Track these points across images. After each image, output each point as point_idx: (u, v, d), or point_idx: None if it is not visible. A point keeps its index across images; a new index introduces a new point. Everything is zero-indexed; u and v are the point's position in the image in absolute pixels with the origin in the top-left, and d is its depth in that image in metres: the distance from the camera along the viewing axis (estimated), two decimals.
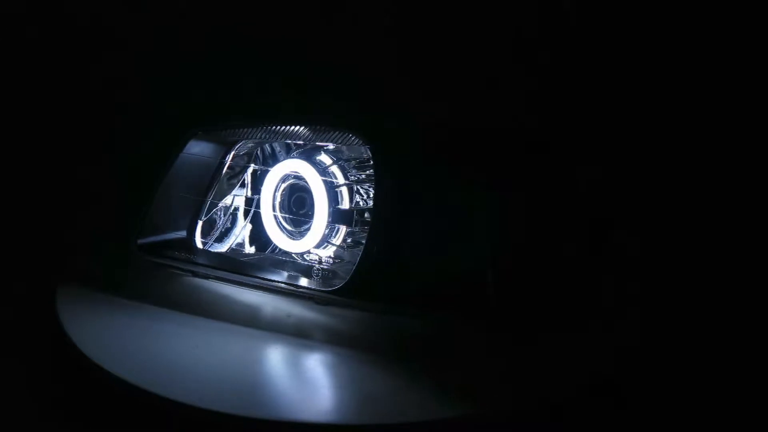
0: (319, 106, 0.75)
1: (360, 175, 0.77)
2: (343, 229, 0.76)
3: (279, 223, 0.79)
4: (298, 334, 0.70)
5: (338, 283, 0.70)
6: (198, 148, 0.82)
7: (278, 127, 0.76)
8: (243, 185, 0.85)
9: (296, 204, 0.78)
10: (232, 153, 0.84)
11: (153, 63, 0.78)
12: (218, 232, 0.85)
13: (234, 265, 0.79)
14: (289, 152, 0.82)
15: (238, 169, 0.85)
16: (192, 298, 0.77)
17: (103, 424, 0.63)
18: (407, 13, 0.76)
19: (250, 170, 0.84)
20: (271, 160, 0.83)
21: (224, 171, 0.84)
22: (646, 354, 0.72)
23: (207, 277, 0.78)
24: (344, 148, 0.78)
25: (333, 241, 0.76)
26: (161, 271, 0.79)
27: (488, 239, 0.71)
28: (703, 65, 0.73)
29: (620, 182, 0.79)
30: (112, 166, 0.82)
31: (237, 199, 0.85)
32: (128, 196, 0.80)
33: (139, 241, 0.79)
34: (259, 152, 0.85)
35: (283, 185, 0.78)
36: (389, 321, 0.72)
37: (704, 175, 0.77)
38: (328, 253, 0.77)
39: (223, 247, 0.84)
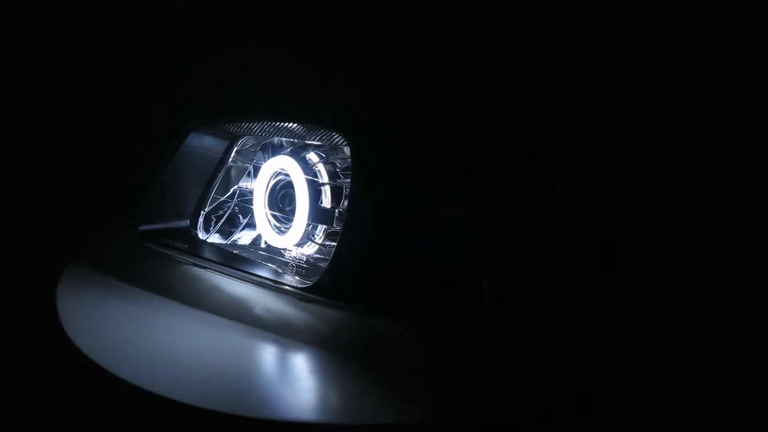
0: (308, 103, 0.76)
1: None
2: (324, 228, 0.77)
3: (268, 219, 0.81)
4: (274, 330, 0.71)
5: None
6: (203, 142, 0.86)
7: (273, 123, 0.79)
8: (247, 178, 0.88)
9: (284, 200, 0.80)
10: (235, 147, 0.87)
11: (156, 59, 0.81)
12: (220, 223, 0.88)
13: (227, 258, 0.82)
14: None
15: (241, 163, 0.88)
16: (187, 287, 0.79)
17: (92, 415, 0.65)
18: (396, 18, 0.76)
19: (251, 165, 0.87)
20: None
21: (227, 164, 0.87)
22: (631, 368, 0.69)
23: (203, 267, 0.82)
24: (340, 147, 0.79)
25: (317, 240, 0.78)
26: (161, 258, 0.84)
27: (463, 243, 0.70)
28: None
29: (614, 185, 0.77)
30: (116, 157, 0.86)
31: (239, 192, 0.88)
32: (132, 185, 0.85)
33: (141, 228, 0.84)
34: (269, 147, 0.87)
35: (273, 181, 0.80)
36: (364, 322, 0.72)
37: (703, 178, 0.73)
38: (310, 250, 0.79)
39: (223, 239, 0.88)
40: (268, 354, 0.69)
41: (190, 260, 0.82)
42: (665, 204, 0.75)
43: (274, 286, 0.75)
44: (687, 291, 0.76)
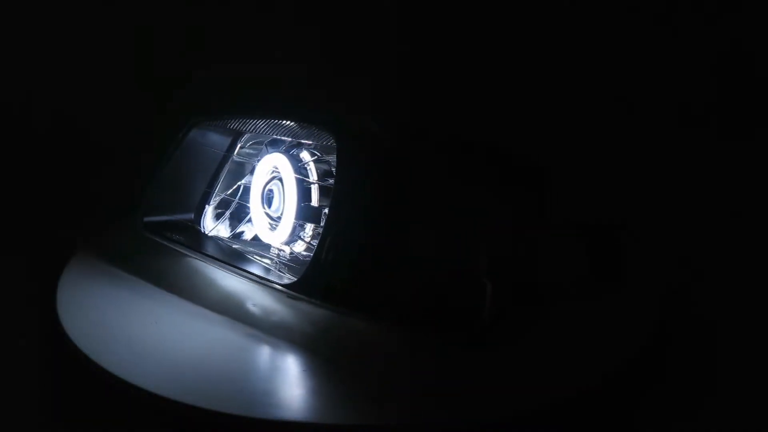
0: (300, 102, 0.77)
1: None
2: (312, 226, 0.77)
3: (263, 215, 0.81)
4: (259, 327, 0.71)
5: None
6: (208, 138, 0.87)
7: (268, 120, 0.79)
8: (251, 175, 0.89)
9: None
10: (239, 144, 0.88)
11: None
12: (222, 219, 0.89)
13: (223, 252, 0.83)
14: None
15: (246, 159, 0.89)
16: (184, 279, 0.80)
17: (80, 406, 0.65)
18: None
19: (256, 161, 0.88)
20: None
21: (232, 160, 0.88)
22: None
23: (201, 260, 0.83)
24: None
25: (305, 238, 0.78)
26: (164, 250, 0.85)
27: (447, 247, 0.69)
28: None
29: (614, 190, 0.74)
30: (120, 151, 0.89)
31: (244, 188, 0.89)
32: (138, 179, 0.87)
33: (146, 219, 0.86)
34: (275, 144, 0.88)
35: (268, 178, 0.81)
36: (349, 322, 0.71)
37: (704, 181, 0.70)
38: (299, 248, 0.79)
39: (226, 234, 0.89)
40: (246, 351, 0.68)
41: (189, 253, 0.84)
42: (666, 208, 0.72)
43: (262, 282, 0.76)
44: (688, 294, 0.73)
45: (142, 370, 0.62)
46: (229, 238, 0.88)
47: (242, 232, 0.89)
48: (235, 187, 0.89)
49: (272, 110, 0.77)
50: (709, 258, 0.80)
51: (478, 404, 0.60)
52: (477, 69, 0.78)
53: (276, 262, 0.77)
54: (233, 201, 0.88)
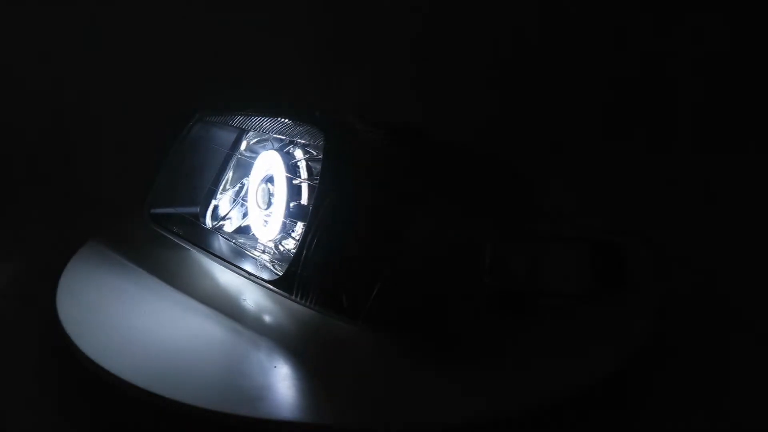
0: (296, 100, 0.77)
1: None
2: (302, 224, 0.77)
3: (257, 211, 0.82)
4: (244, 321, 0.72)
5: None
6: (214, 134, 0.89)
7: (266, 118, 0.80)
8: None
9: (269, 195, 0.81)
10: (244, 141, 0.89)
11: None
12: (225, 216, 0.90)
13: (221, 247, 0.84)
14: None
15: (249, 156, 0.90)
16: (183, 272, 0.83)
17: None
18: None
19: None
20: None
21: (236, 157, 0.90)
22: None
23: (201, 254, 0.84)
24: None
25: (295, 236, 0.78)
26: (166, 242, 0.87)
27: (429, 252, 0.67)
28: None
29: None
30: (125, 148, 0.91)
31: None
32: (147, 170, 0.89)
33: (152, 211, 0.88)
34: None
35: (263, 175, 0.81)
36: (328, 322, 0.71)
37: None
38: (289, 246, 0.79)
39: (229, 228, 0.90)
40: (231, 348, 0.69)
41: (190, 247, 0.85)
42: (666, 210, 0.69)
43: (251, 279, 0.76)
44: (689, 295, 0.73)
45: (132, 366, 0.63)
46: (232, 233, 0.90)
47: (247, 226, 0.90)
48: (239, 184, 0.90)
49: (267, 107, 0.78)
50: (710, 259, 0.78)
51: (460, 407, 0.59)
52: (484, 73, 0.76)
53: (269, 259, 0.78)
54: (237, 198, 0.90)
